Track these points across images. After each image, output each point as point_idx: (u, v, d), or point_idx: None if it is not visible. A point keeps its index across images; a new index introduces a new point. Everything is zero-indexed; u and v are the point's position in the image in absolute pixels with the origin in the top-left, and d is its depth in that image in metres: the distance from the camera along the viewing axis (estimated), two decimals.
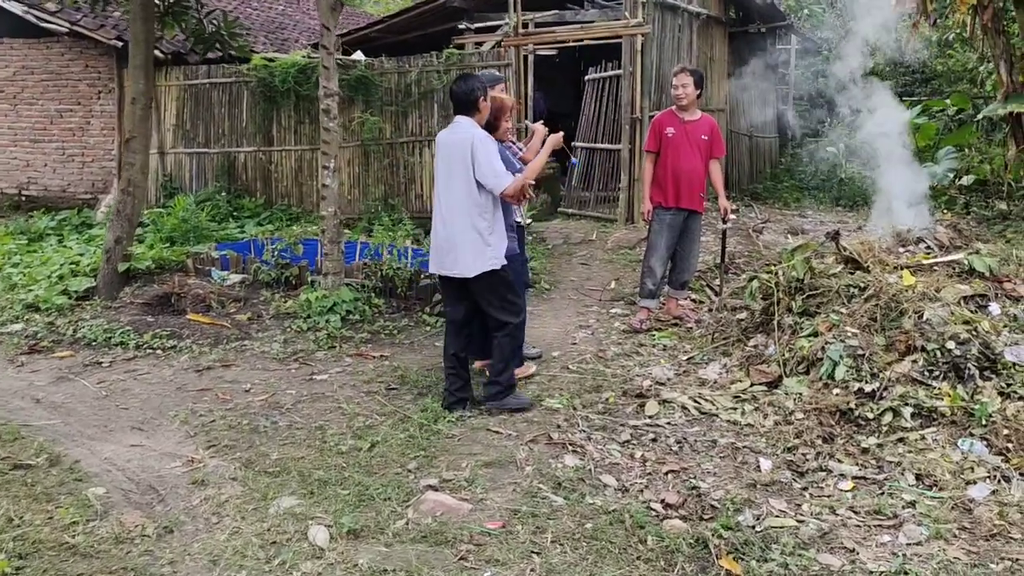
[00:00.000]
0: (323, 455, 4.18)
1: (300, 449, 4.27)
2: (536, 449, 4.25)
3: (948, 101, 13.74)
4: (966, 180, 11.57)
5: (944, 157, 11.86)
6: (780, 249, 5.72)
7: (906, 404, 4.29)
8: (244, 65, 11.29)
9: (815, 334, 5.08)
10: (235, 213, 11.26)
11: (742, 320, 5.87)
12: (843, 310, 5.11)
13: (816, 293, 5.34)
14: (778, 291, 5.41)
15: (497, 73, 5.79)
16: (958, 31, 13.28)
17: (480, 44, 10.84)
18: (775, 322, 5.35)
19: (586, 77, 10.93)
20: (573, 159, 5.57)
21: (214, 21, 8.96)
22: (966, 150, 12.91)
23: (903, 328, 4.71)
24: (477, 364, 5.51)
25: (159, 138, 12.05)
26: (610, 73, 10.21)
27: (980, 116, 12.62)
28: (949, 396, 4.28)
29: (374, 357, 5.81)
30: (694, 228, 6.55)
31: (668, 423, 4.61)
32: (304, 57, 11.01)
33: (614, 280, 8.01)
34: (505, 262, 4.75)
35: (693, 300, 7.17)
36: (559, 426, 4.54)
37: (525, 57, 10.10)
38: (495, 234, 4.71)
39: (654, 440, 4.38)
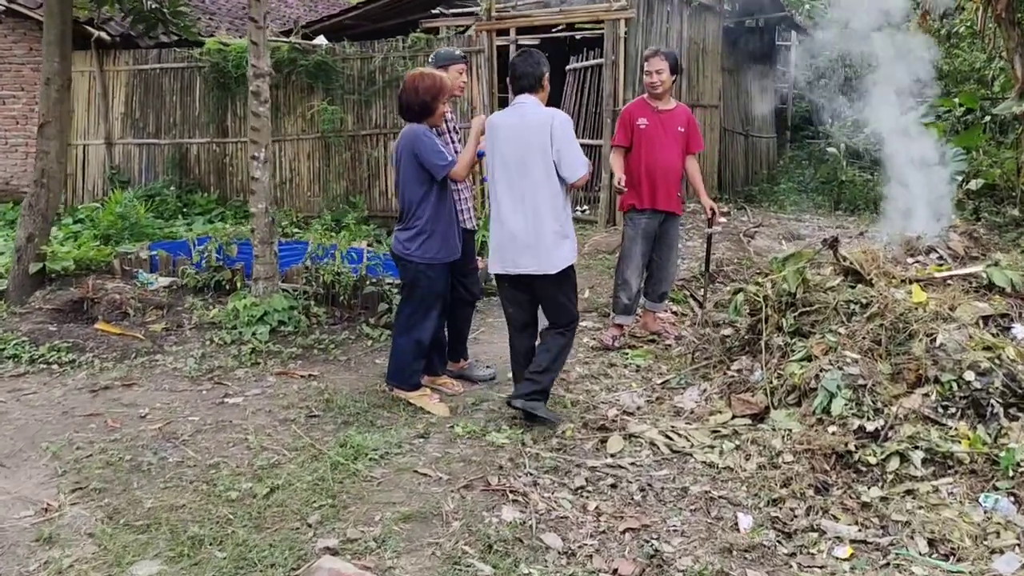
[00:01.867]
0: (208, 502, 3.49)
1: (183, 494, 3.59)
2: (469, 497, 3.57)
3: (956, 100, 13.12)
4: (974, 184, 10.94)
5: (951, 159, 11.23)
6: (771, 257, 5.05)
7: (916, 447, 3.63)
8: (197, 49, 10.59)
9: (809, 358, 4.42)
10: (185, 209, 10.57)
11: (727, 338, 5.20)
12: (842, 330, 4.45)
13: (811, 309, 4.68)
14: (767, 306, 4.74)
15: (456, 52, 5.09)
16: (968, 25, 12.66)
17: (461, 29, 10.18)
18: (762, 342, 4.68)
19: (567, 67, 10.26)
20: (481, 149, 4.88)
21: None
22: (974, 153, 12.31)
23: (912, 354, 4.04)
24: (440, 380, 4.94)
25: (107, 127, 11.35)
26: (592, 62, 9.56)
27: (991, 115, 11.99)
28: (968, 439, 3.62)
29: (301, 376, 5.13)
30: (672, 233, 5.87)
31: (633, 464, 3.94)
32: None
33: (588, 288, 7.33)
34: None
35: (674, 313, 6.51)
36: (501, 467, 3.86)
37: (498, 46, 9.43)
38: (569, 222, 4.42)
39: (613, 487, 3.70)
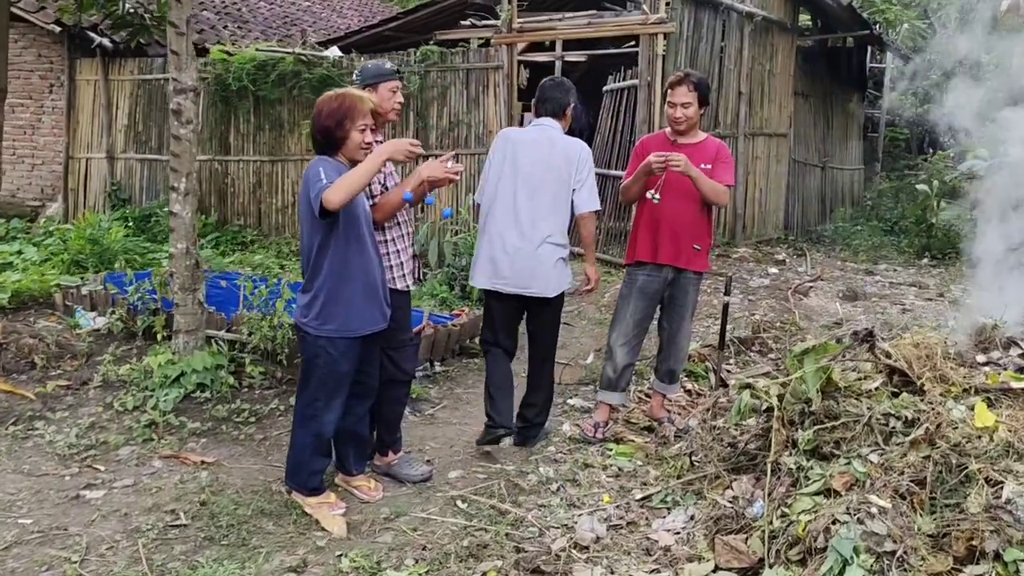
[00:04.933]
0: None
1: None
2: None
3: None
4: None
5: None
6: (790, 351, 3.94)
7: None
8: (201, 60, 10.05)
9: (826, 491, 3.36)
10: None
11: (733, 445, 4.13)
12: (874, 457, 3.38)
13: (836, 422, 3.60)
14: (780, 413, 3.68)
15: (387, 65, 4.21)
16: None
17: (485, 41, 9.36)
18: (769, 462, 3.62)
19: (604, 87, 9.30)
20: (447, 210, 4.16)
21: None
22: None
23: (966, 510, 2.94)
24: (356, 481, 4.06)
25: (109, 141, 10.93)
26: (629, 83, 8.57)
27: None
28: None
29: (192, 463, 4.29)
30: (682, 296, 4.79)
31: None
32: (266, 51, 9.68)
33: (594, 351, 6.33)
34: None
35: (687, 392, 5.45)
36: None
37: (520, 62, 8.56)
38: (568, 249, 4.57)
39: None
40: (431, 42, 9.37)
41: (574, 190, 4.42)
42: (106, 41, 10.42)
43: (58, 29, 10.26)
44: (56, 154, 11.50)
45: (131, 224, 9.97)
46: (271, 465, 4.32)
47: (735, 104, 9.98)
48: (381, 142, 4.10)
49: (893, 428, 3.48)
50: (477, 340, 6.34)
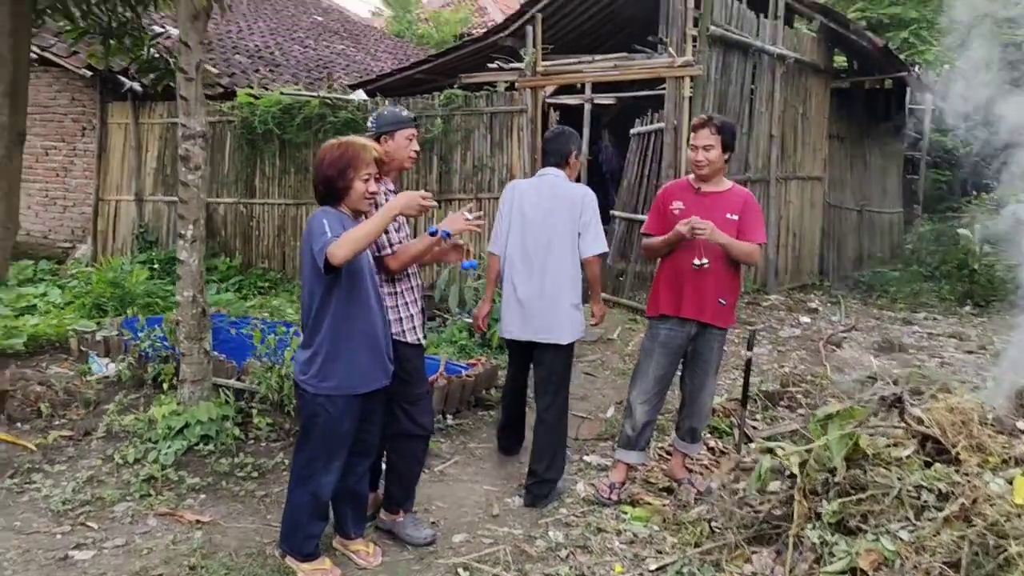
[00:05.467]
0: None
1: None
2: None
3: None
4: None
5: None
6: (813, 416, 3.69)
7: None
8: (228, 103, 10.14)
9: (852, 571, 3.12)
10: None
11: (755, 511, 3.89)
12: (904, 534, 3.13)
13: (863, 494, 3.36)
14: (802, 483, 3.45)
15: (403, 112, 4.10)
16: None
17: (511, 85, 9.31)
18: (791, 536, 3.39)
19: (632, 131, 9.18)
20: (466, 261, 4.09)
21: (157, 44, 7.73)
22: None
23: None
24: (354, 546, 3.88)
25: (138, 183, 11.03)
26: (656, 126, 8.43)
27: None
28: None
29: (188, 522, 4.14)
30: (706, 351, 4.56)
31: None
32: (291, 94, 9.72)
33: (615, 404, 6.11)
34: None
35: (710, 451, 5.22)
36: None
37: (549, 105, 8.48)
38: (580, 296, 4.64)
39: None
40: (455, 85, 9.33)
41: (579, 234, 4.53)
42: (136, 85, 10.57)
43: (89, 73, 10.42)
44: (87, 196, 11.63)
45: (156, 267, 10.00)
46: (269, 525, 4.16)
47: (766, 148, 9.79)
48: (395, 191, 3.98)
49: (925, 502, 3.24)
50: (492, 391, 6.18)
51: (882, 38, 13.25)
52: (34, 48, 10.77)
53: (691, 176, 4.60)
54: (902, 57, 15.32)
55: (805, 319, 7.93)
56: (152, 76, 8.23)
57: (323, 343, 3.49)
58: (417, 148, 4.11)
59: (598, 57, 8.01)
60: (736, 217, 4.42)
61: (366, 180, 3.54)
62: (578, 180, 4.87)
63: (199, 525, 4.11)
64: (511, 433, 5.15)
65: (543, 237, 4.50)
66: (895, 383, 6.01)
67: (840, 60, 14.43)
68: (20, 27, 6.03)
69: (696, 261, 4.32)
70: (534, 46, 8.13)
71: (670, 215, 4.53)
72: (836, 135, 12.44)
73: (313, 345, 3.52)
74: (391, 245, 3.85)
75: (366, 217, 3.57)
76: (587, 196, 4.55)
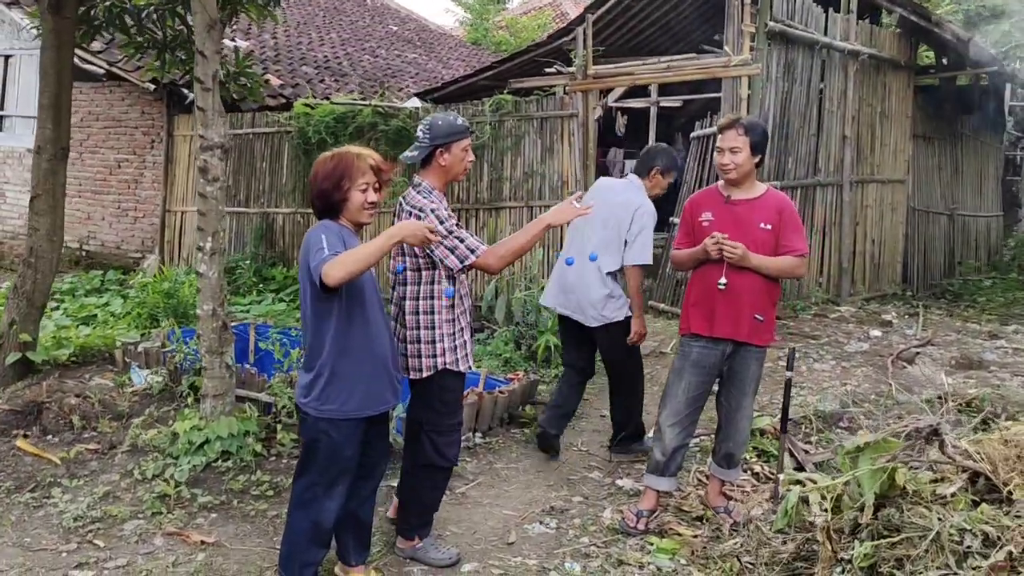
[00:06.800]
0: None
1: None
2: None
3: None
4: None
5: None
6: (840, 448, 3.33)
7: None
8: (286, 113, 10.23)
9: None
10: (261, 285, 10.11)
11: (778, 551, 3.57)
12: None
13: (898, 536, 3.01)
14: (826, 524, 3.12)
15: (458, 121, 3.89)
16: None
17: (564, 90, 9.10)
18: None
19: (691, 134, 8.83)
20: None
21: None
22: None
23: None
24: (354, 573, 3.74)
25: None
26: (712, 129, 8.07)
27: None
28: None
29: (192, 543, 4.07)
30: (743, 371, 4.25)
31: None
32: (345, 103, 9.72)
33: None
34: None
35: (754, 476, 4.88)
36: None
37: (611, 109, 8.22)
38: (619, 288, 5.03)
39: None
40: (506, 91, 9.16)
41: (626, 242, 4.90)
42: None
43: (152, 87, 10.68)
44: (155, 207, 11.92)
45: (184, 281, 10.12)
46: (274, 548, 4.02)
47: (838, 150, 9.28)
48: (444, 204, 3.80)
49: (969, 548, 2.87)
50: (528, 408, 5.97)
51: (979, 31, 12.50)
52: (102, 63, 11.18)
53: (720, 183, 4.30)
54: (1003, 51, 14.44)
55: (875, 332, 7.43)
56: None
57: (325, 365, 3.36)
58: (472, 158, 3.94)
59: (651, 59, 7.71)
60: (770, 227, 4.11)
61: (364, 190, 3.39)
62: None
63: (203, 546, 4.03)
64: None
65: (595, 226, 4.94)
66: (968, 404, 5.56)
67: (928, 54, 13.68)
68: (63, 43, 6.15)
69: (720, 281, 4.05)
70: (584, 48, 7.88)
71: (699, 227, 4.25)
72: (923, 135, 11.75)
73: (315, 367, 3.39)
74: (474, 250, 3.62)
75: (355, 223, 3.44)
76: (641, 209, 4.90)
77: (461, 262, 3.63)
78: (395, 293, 3.88)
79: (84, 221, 12.93)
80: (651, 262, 5.03)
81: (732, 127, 4.19)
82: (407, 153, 3.86)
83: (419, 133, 3.84)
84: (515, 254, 3.72)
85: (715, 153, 4.36)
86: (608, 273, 4.95)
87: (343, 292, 3.29)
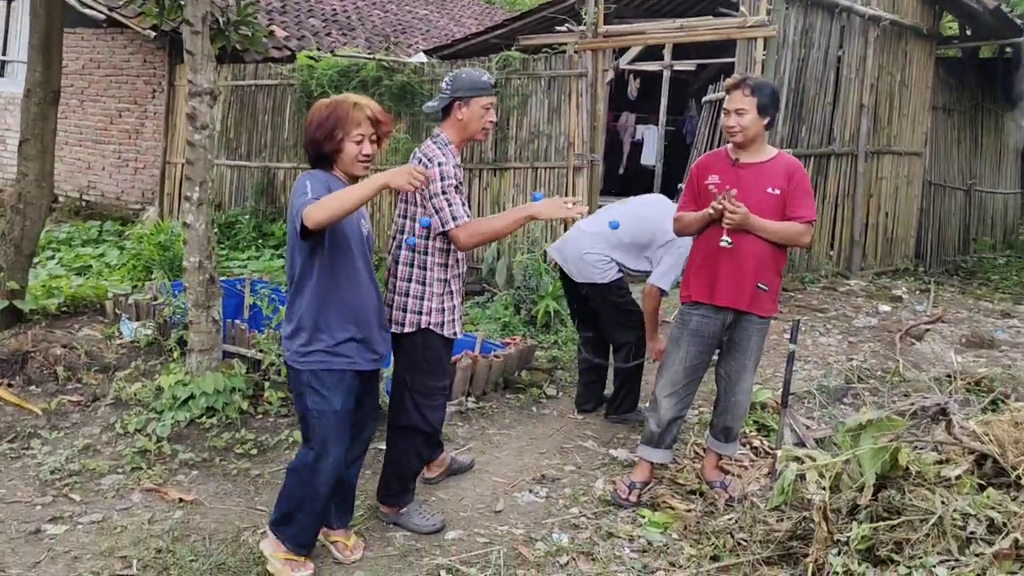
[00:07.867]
0: None
1: None
2: None
3: None
4: None
5: None
6: (841, 425, 3.19)
7: None
8: (289, 65, 10.01)
9: None
10: (260, 241, 9.97)
11: (772, 529, 3.45)
12: (943, 570, 2.66)
13: (898, 519, 2.88)
14: (823, 504, 2.99)
15: (483, 76, 3.70)
16: None
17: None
18: (809, 564, 2.95)
19: (703, 99, 8.60)
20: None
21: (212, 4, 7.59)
22: None
23: None
24: (334, 535, 3.61)
25: None
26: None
27: None
28: None
29: (170, 500, 3.97)
30: (744, 341, 4.10)
31: None
32: (349, 56, 9.49)
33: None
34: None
35: (753, 450, 4.75)
36: None
37: (623, 72, 7.99)
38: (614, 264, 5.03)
39: None
40: (513, 48, 8.92)
41: (649, 260, 4.94)
42: None
43: (153, 34, 10.45)
44: (156, 158, 11.75)
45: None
46: (254, 508, 3.95)
47: (855, 119, 9.04)
48: (459, 165, 3.66)
49: (972, 533, 2.74)
50: (524, 374, 5.85)
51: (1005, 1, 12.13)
52: (103, 8, 10.95)
53: (729, 146, 4.12)
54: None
55: (885, 308, 7.27)
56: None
57: (305, 315, 3.24)
58: (494, 119, 3.75)
59: (665, 20, 7.48)
60: (778, 192, 3.94)
61: (359, 142, 3.24)
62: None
63: (181, 504, 3.94)
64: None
65: (628, 209, 5.08)
66: (977, 384, 5.41)
67: (951, 25, 13.33)
68: None
69: (724, 238, 3.87)
70: (596, 6, 7.64)
71: (705, 191, 4.08)
72: (942, 107, 11.47)
73: (295, 318, 3.27)
74: (455, 219, 3.52)
75: (350, 175, 3.30)
76: (678, 242, 4.63)
77: (442, 226, 3.51)
78: (392, 244, 3.77)
79: (84, 170, 12.78)
80: (667, 289, 4.87)
81: (739, 87, 3.99)
82: (429, 103, 3.78)
83: (443, 84, 3.73)
84: (488, 237, 3.76)
85: (722, 115, 4.18)
86: (614, 253, 4.93)
87: (327, 244, 3.17)
